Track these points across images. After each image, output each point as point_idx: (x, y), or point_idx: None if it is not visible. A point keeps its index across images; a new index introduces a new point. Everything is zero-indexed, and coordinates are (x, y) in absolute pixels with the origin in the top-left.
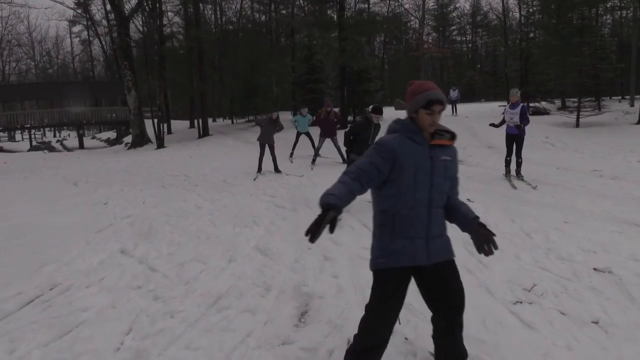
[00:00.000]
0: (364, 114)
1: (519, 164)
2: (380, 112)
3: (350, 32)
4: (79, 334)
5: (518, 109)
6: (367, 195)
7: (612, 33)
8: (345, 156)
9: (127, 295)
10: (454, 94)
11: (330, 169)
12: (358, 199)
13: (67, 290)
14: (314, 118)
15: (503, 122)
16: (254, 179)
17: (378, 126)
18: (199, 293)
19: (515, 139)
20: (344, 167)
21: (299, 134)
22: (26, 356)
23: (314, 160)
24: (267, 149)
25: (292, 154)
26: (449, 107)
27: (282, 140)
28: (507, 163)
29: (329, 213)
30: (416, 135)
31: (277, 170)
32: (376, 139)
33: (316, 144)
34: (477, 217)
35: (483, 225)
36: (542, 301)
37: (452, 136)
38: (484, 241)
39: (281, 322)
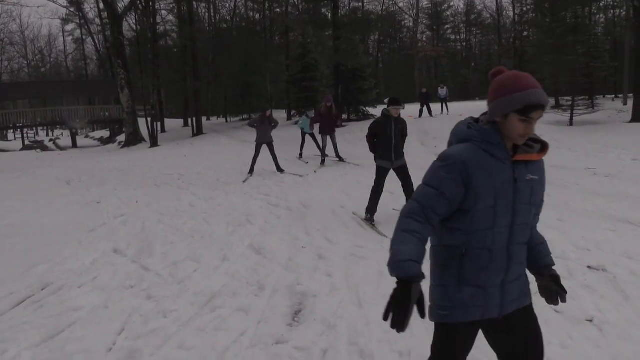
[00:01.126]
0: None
1: None
2: (399, 103)
3: (345, 31)
4: (71, 334)
5: None
6: (360, 178)
7: (605, 32)
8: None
9: (119, 295)
10: (442, 91)
11: (333, 169)
12: (351, 187)
13: (59, 290)
14: (316, 117)
15: None
16: (244, 181)
17: (400, 121)
18: (193, 292)
19: None
20: (349, 168)
21: (304, 135)
22: (17, 357)
23: (323, 162)
24: (265, 150)
25: (301, 155)
26: (437, 105)
27: (276, 138)
28: None
29: (413, 287)
30: (497, 147)
31: (279, 169)
32: (441, 152)
33: (320, 144)
34: (552, 266)
35: (556, 278)
36: (536, 299)
37: (543, 147)
38: (553, 299)
39: (275, 321)
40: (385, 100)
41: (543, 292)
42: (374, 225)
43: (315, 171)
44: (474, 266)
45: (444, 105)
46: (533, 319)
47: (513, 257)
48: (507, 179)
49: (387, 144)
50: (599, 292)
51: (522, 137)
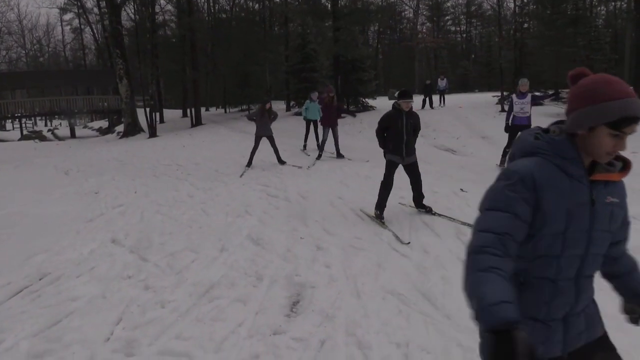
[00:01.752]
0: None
1: None
2: (410, 96)
3: (344, 22)
4: (69, 324)
5: (528, 98)
6: (356, 168)
7: (606, 24)
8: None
9: (117, 285)
10: (442, 83)
11: (333, 161)
12: (349, 178)
13: (57, 280)
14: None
15: (509, 116)
16: (241, 175)
17: (412, 115)
18: (190, 282)
19: (523, 129)
20: (347, 163)
21: (308, 123)
22: (14, 346)
23: (319, 156)
24: (265, 142)
25: (305, 146)
26: (436, 97)
27: (274, 130)
28: (505, 154)
29: (517, 336)
30: (573, 163)
31: (280, 161)
32: (505, 166)
33: (320, 137)
34: None
35: None
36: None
37: (624, 166)
38: (635, 321)
39: (273, 311)
40: (396, 94)
41: (626, 311)
42: (383, 222)
43: (308, 167)
44: (535, 299)
45: (442, 97)
46: (609, 349)
47: (581, 291)
48: (584, 201)
49: (397, 139)
50: (599, 285)
51: (608, 155)
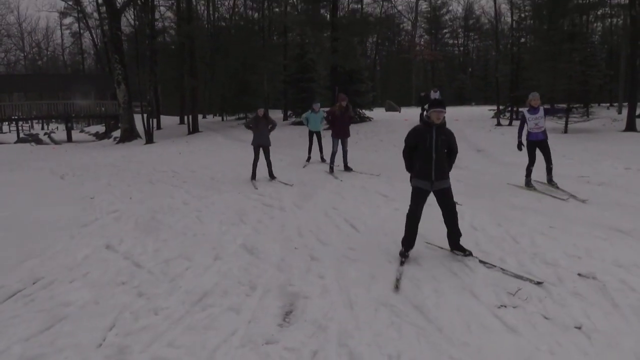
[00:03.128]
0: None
1: (550, 170)
2: (443, 105)
3: (343, 32)
4: (61, 329)
5: (541, 112)
6: (357, 180)
7: (602, 40)
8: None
9: (110, 291)
10: (435, 95)
11: (326, 170)
12: (344, 189)
13: (50, 285)
14: (328, 116)
15: (520, 133)
16: (256, 188)
17: (444, 130)
18: (184, 290)
19: (541, 145)
20: (341, 174)
21: (311, 134)
22: (6, 351)
23: (331, 169)
24: (261, 153)
25: (309, 158)
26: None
27: (273, 139)
28: (530, 172)
29: None
30: None
31: (271, 176)
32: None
33: (331, 148)
34: None
35: None
36: (526, 305)
37: None
38: None
39: (265, 321)
40: (425, 106)
41: None
42: (403, 261)
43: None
44: None
45: None
46: None
47: None
48: None
49: (426, 158)
50: (589, 300)
51: None
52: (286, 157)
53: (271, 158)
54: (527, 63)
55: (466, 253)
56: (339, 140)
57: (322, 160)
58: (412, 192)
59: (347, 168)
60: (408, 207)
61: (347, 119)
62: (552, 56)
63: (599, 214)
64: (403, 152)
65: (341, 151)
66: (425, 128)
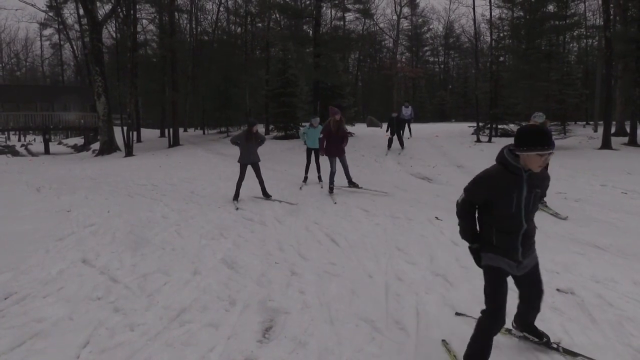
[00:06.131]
0: None
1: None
2: (549, 143)
3: (325, 48)
4: (33, 346)
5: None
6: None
7: (578, 60)
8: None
9: (86, 307)
10: (406, 111)
11: (310, 186)
12: (326, 204)
13: (23, 300)
14: (325, 131)
15: None
16: (236, 208)
17: (540, 178)
18: (162, 306)
19: None
20: (322, 184)
21: (309, 151)
22: None
23: (331, 190)
24: (250, 171)
25: (306, 178)
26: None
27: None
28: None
29: None
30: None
31: (265, 194)
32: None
33: (329, 168)
34: None
35: None
36: (506, 321)
37: None
38: None
39: (245, 337)
40: (521, 137)
41: None
42: None
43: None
44: None
45: (408, 126)
46: None
47: None
48: None
49: (512, 226)
50: (567, 315)
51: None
52: (276, 174)
53: (262, 174)
54: (505, 81)
55: (544, 340)
56: (336, 159)
57: (319, 180)
58: (486, 274)
59: (352, 184)
60: (485, 307)
61: (342, 135)
62: (530, 75)
63: (576, 230)
64: (460, 208)
65: (341, 169)
66: (510, 176)
